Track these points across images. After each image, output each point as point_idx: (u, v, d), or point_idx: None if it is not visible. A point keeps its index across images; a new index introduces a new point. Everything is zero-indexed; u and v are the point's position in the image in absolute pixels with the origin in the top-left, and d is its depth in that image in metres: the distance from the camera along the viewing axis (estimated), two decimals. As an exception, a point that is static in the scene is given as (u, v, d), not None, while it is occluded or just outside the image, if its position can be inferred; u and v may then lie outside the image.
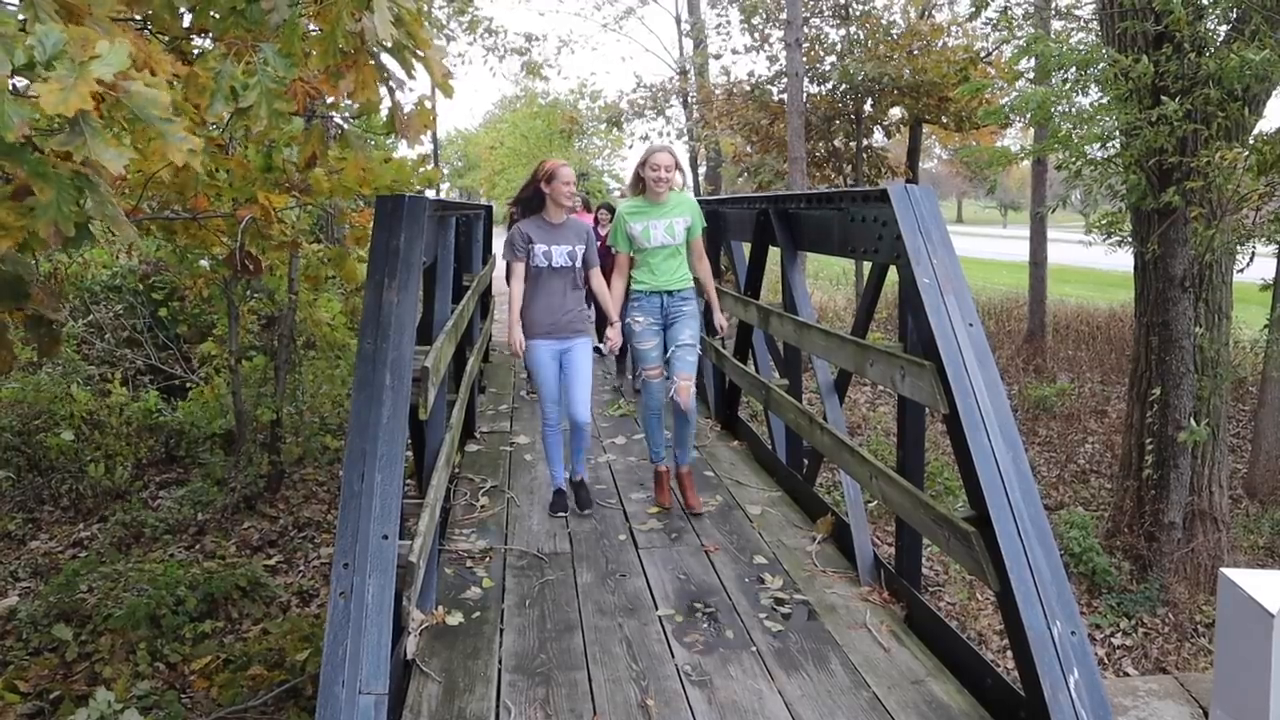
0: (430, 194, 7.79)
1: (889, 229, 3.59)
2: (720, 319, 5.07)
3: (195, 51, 2.74)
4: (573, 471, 4.78)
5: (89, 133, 1.63)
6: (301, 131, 3.54)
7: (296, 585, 6.46)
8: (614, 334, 4.66)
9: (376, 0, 2.02)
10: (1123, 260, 8.39)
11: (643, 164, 4.58)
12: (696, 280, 4.87)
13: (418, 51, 2.25)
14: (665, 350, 4.66)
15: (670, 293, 4.64)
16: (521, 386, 7.82)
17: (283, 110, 2.17)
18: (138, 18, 2.41)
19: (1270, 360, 8.78)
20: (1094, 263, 13.38)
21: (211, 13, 2.26)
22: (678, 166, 4.56)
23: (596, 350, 5.23)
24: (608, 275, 4.83)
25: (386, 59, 2.35)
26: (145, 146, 2.59)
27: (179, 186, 3.67)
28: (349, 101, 2.46)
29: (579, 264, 4.57)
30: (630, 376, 7.62)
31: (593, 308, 5.93)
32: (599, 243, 5.60)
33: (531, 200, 4.55)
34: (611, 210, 8.33)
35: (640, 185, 4.62)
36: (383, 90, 2.36)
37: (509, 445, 6.06)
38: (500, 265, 5.13)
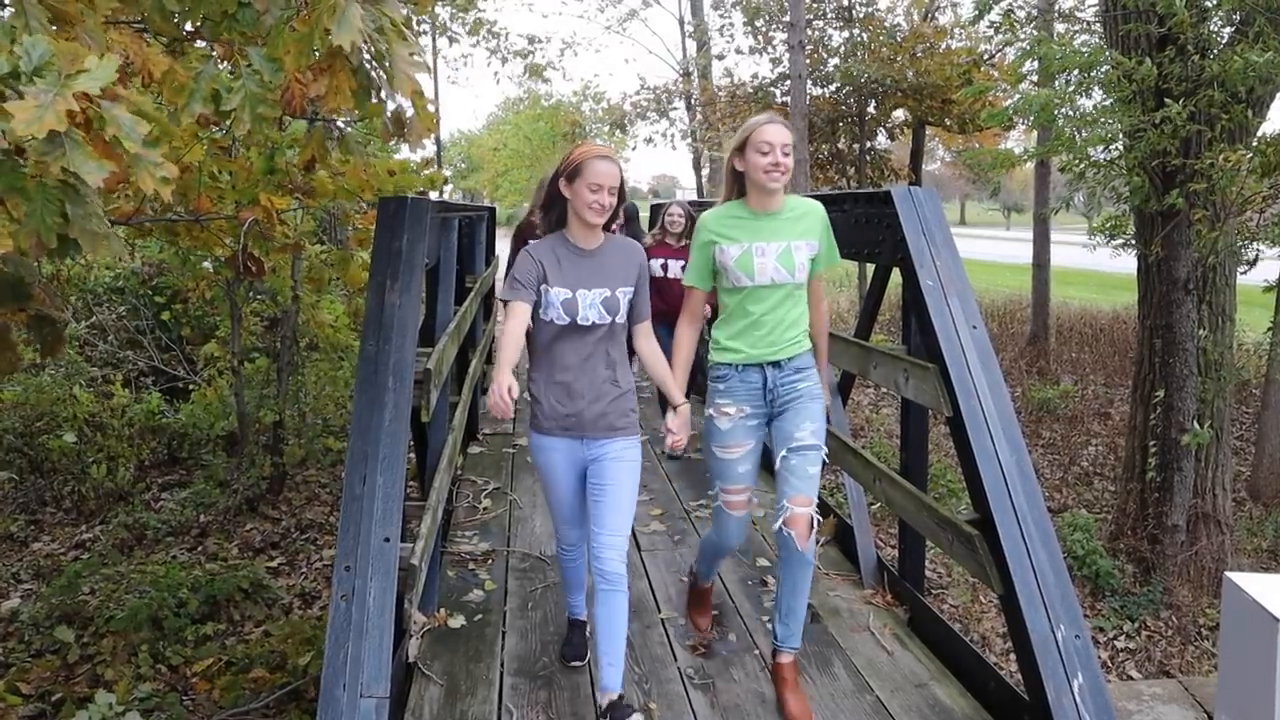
0: (433, 195, 7.80)
1: (892, 231, 3.59)
2: (824, 394, 3.03)
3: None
4: (600, 685, 2.83)
5: (69, 145, 1.60)
6: (303, 134, 3.54)
7: (299, 587, 6.45)
8: (678, 424, 2.90)
9: (348, 8, 2.00)
10: (1125, 263, 8.37)
11: (742, 146, 2.83)
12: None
13: (391, 64, 2.23)
14: (756, 461, 2.96)
15: (778, 364, 2.89)
16: (525, 388, 7.78)
17: (267, 115, 2.15)
18: (136, 20, 2.41)
19: (1274, 363, 8.76)
20: (1096, 265, 13.37)
21: (205, 15, 2.25)
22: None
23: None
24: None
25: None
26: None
27: (182, 188, 3.67)
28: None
29: (621, 318, 2.85)
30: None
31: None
32: None
33: (551, 208, 2.87)
34: (632, 217, 7.02)
35: (738, 183, 2.92)
36: (381, 93, 2.35)
37: (511, 447, 6.06)
38: (502, 273, 4.81)
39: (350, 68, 2.21)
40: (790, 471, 2.85)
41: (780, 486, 2.88)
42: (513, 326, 2.75)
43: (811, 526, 2.82)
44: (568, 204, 2.79)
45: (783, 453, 2.87)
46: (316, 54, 2.17)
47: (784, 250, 2.85)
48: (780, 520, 2.84)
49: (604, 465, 2.85)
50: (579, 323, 2.77)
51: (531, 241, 2.94)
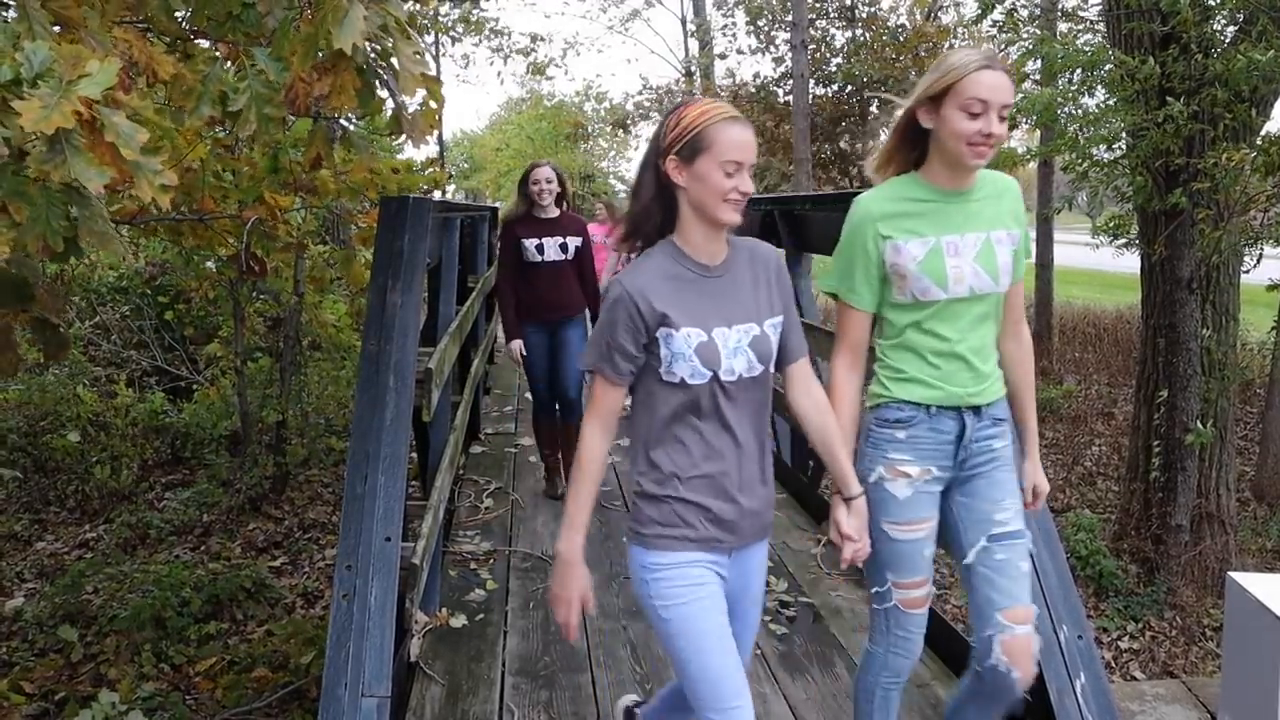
0: (436, 195, 7.79)
1: (894, 231, 3.57)
2: (1038, 476, 2.21)
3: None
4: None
5: (70, 151, 1.60)
6: (307, 132, 3.54)
7: (301, 587, 6.45)
8: (858, 525, 2.02)
9: (351, 9, 2.00)
10: (1128, 262, 8.36)
11: (939, 95, 1.87)
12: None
13: (398, 63, 2.23)
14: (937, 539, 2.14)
15: (978, 410, 2.04)
16: (527, 388, 7.76)
17: (274, 116, 2.15)
18: (140, 21, 2.42)
19: (1278, 362, 8.74)
20: (1099, 264, 13.37)
21: (208, 16, 2.25)
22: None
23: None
24: None
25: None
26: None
27: (185, 188, 3.68)
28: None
29: (773, 364, 1.90)
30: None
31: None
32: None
33: (664, 209, 1.85)
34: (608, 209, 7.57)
35: (915, 148, 2.00)
36: (383, 92, 2.35)
37: (513, 447, 6.06)
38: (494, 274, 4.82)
39: (355, 67, 2.22)
40: (996, 570, 2.02)
41: (983, 591, 2.04)
42: (596, 447, 1.82)
43: (1032, 658, 2.02)
44: (677, 199, 1.82)
45: (981, 542, 2.04)
46: (321, 54, 2.17)
47: (983, 245, 1.97)
48: (995, 649, 2.00)
49: (748, 587, 1.97)
50: (722, 378, 1.79)
51: (612, 263, 1.96)
